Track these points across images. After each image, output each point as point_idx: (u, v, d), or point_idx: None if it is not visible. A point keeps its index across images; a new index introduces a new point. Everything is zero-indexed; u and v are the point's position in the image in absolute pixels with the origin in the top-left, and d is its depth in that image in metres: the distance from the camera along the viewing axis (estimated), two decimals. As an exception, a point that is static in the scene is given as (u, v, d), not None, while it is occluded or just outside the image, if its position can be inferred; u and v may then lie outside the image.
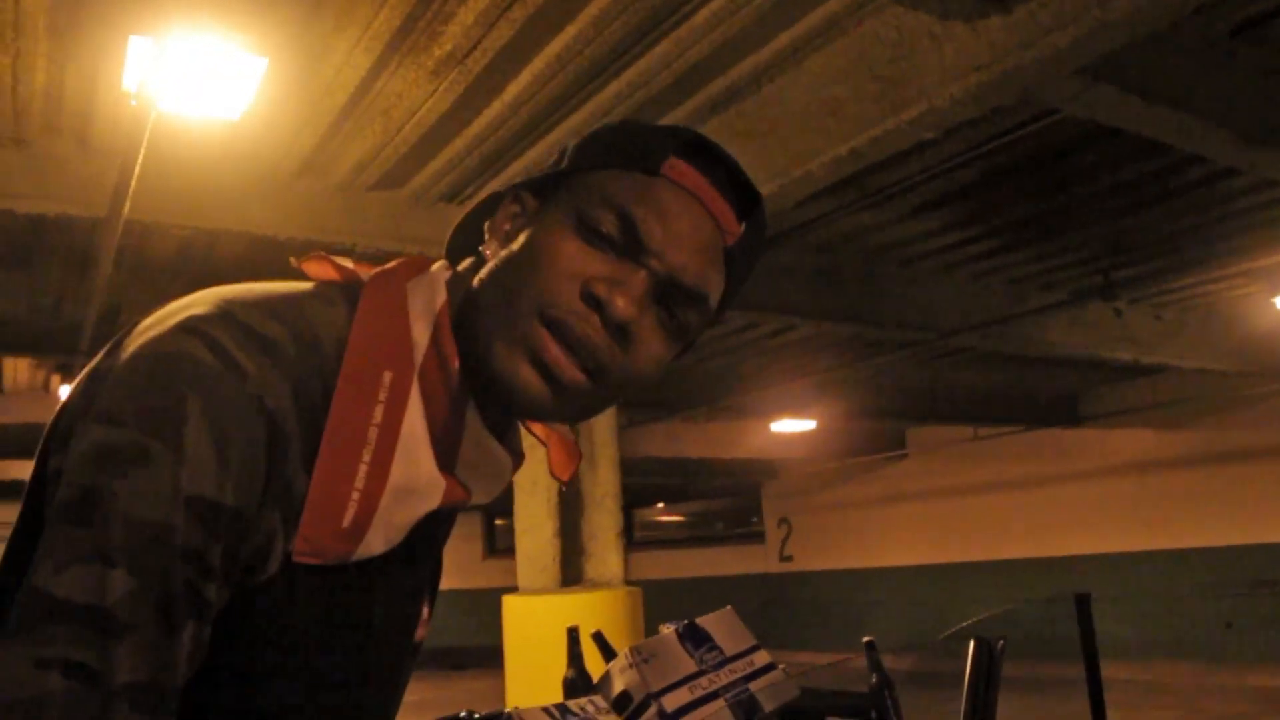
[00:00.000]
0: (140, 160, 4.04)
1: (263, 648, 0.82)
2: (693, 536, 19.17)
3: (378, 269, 0.93)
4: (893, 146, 4.16)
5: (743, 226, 0.94)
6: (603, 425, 6.29)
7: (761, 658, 1.13)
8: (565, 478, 1.05)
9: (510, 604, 6.07)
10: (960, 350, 9.33)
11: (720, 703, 1.05)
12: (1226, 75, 4.30)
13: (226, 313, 0.81)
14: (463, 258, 1.00)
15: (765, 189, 4.40)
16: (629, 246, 0.88)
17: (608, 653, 1.50)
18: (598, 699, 0.95)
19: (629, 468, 6.94)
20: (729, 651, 1.11)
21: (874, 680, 1.31)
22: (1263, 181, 5.69)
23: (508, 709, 0.87)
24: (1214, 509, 11.63)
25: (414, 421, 0.86)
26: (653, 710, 1.02)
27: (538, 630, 5.75)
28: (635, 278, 0.87)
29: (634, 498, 16.23)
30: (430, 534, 0.97)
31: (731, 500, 18.66)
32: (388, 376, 0.85)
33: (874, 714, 1.28)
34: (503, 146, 4.83)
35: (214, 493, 0.75)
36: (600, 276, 0.87)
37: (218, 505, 0.75)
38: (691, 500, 19.07)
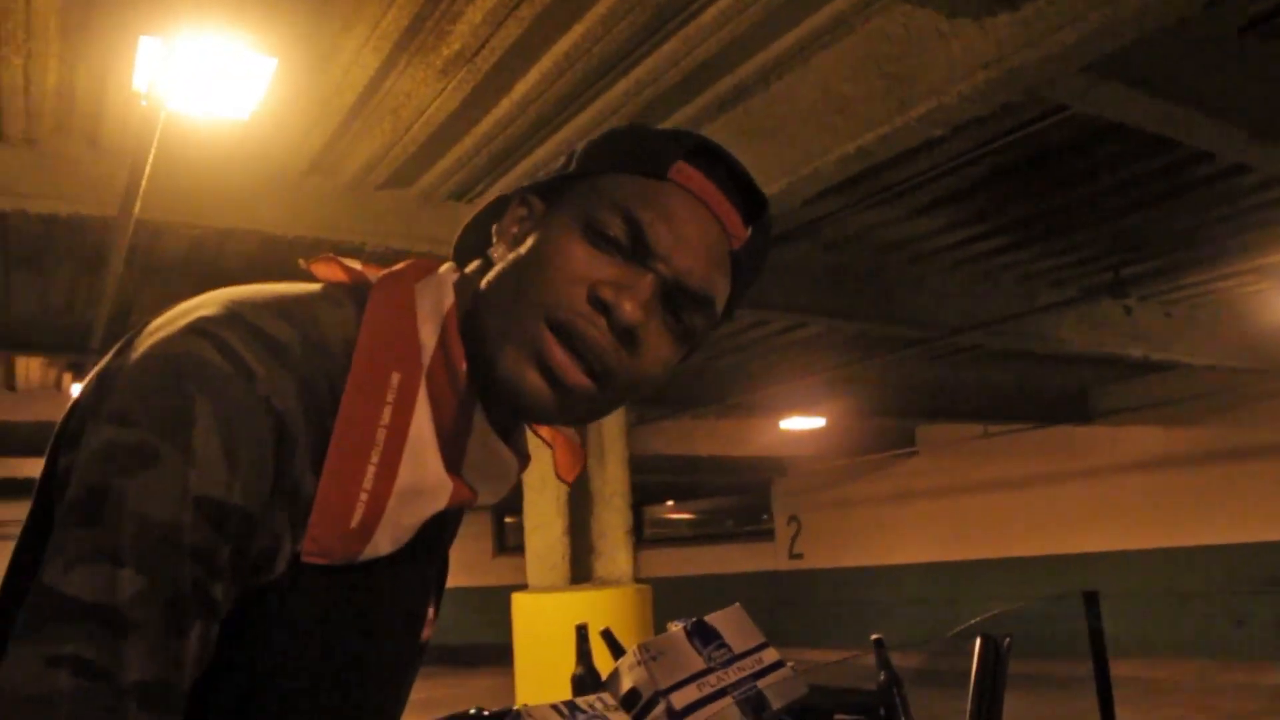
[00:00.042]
0: (151, 160, 4.05)
1: (270, 647, 0.83)
2: (702, 534, 19.14)
3: (385, 271, 0.94)
4: (901, 144, 4.16)
5: (749, 231, 0.94)
6: (612, 423, 6.30)
7: (770, 655, 1.13)
8: (570, 479, 1.05)
9: (520, 601, 6.08)
10: (970, 347, 9.32)
11: (728, 700, 1.05)
12: (1236, 71, 4.29)
13: (235, 314, 0.81)
14: (470, 259, 1.00)
15: (773, 187, 4.40)
16: (636, 250, 0.88)
17: (616, 650, 1.51)
18: (606, 696, 0.95)
19: (638, 465, 6.94)
20: (737, 649, 1.11)
21: (882, 678, 1.31)
22: (1272, 178, 5.68)
23: (517, 706, 0.88)
24: (1225, 506, 11.58)
25: (421, 423, 0.86)
26: (661, 707, 1.02)
27: (547, 628, 5.76)
28: (642, 281, 0.87)
29: (643, 495, 16.19)
30: (437, 534, 0.97)
31: (741, 498, 18.63)
32: (395, 378, 0.86)
33: (882, 711, 1.28)
34: (511, 145, 4.84)
35: (222, 493, 0.75)
36: (607, 280, 0.87)
37: (226, 505, 0.75)
38: (701, 498, 19.05)
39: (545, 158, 4.91)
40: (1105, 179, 5.80)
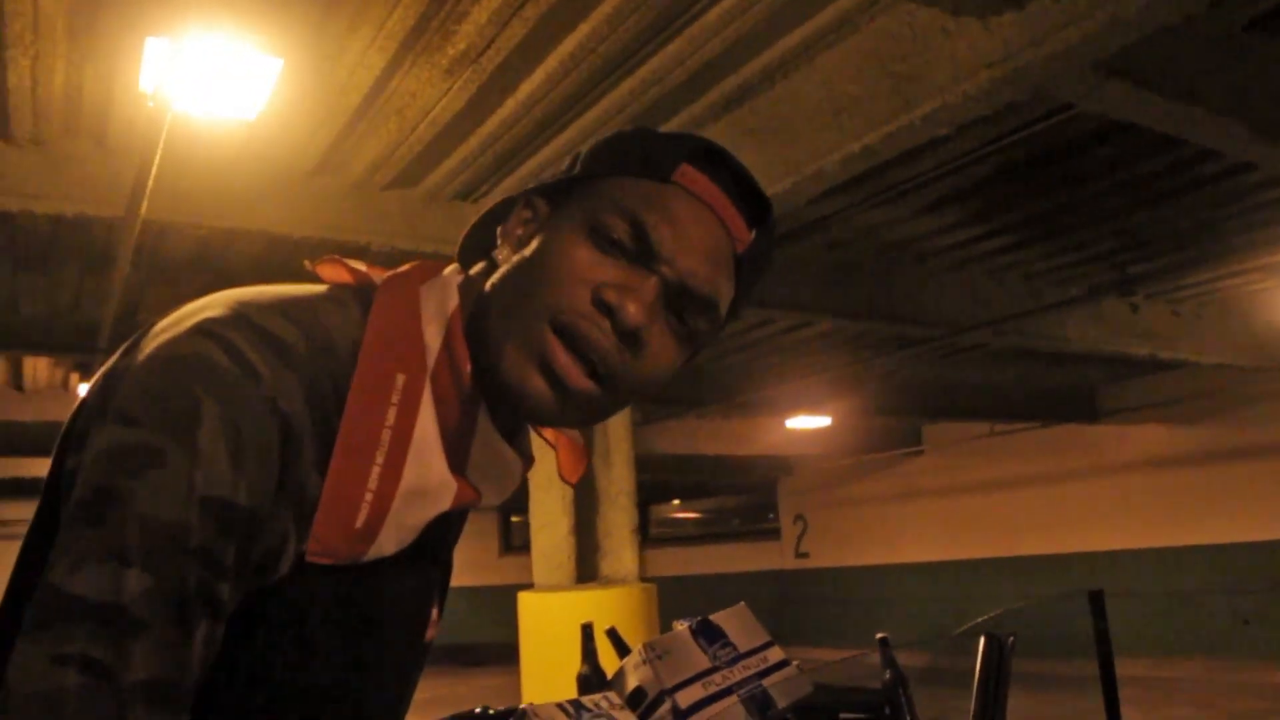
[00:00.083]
0: (157, 160, 4.06)
1: (274, 647, 0.83)
2: (708, 533, 19.13)
3: (391, 272, 0.94)
4: (906, 143, 4.15)
5: (753, 234, 0.95)
6: (618, 422, 6.29)
7: (775, 654, 1.13)
8: (573, 480, 1.05)
9: (526, 600, 6.08)
10: (976, 346, 9.30)
11: (734, 699, 1.05)
12: (1241, 69, 4.27)
13: (241, 315, 0.81)
14: (475, 261, 1.00)
15: (778, 186, 4.40)
16: (640, 253, 0.89)
17: (622, 649, 1.51)
18: (612, 695, 0.95)
19: (644, 464, 6.94)
20: (743, 648, 1.11)
21: (887, 676, 1.31)
22: (1278, 176, 5.66)
23: (523, 705, 0.88)
24: (1231, 505, 11.54)
25: (426, 424, 0.86)
26: (666, 706, 1.02)
27: (553, 627, 5.76)
28: (646, 284, 0.88)
29: (649, 494, 16.23)
30: (441, 535, 0.98)
31: (747, 497, 18.62)
32: (400, 379, 0.86)
33: (887, 710, 1.29)
34: (517, 144, 4.84)
35: (228, 493, 0.76)
36: (611, 282, 0.87)
37: (232, 506, 0.76)
38: (707, 497, 19.04)
39: (550, 157, 4.91)
40: (1111, 177, 5.78)
